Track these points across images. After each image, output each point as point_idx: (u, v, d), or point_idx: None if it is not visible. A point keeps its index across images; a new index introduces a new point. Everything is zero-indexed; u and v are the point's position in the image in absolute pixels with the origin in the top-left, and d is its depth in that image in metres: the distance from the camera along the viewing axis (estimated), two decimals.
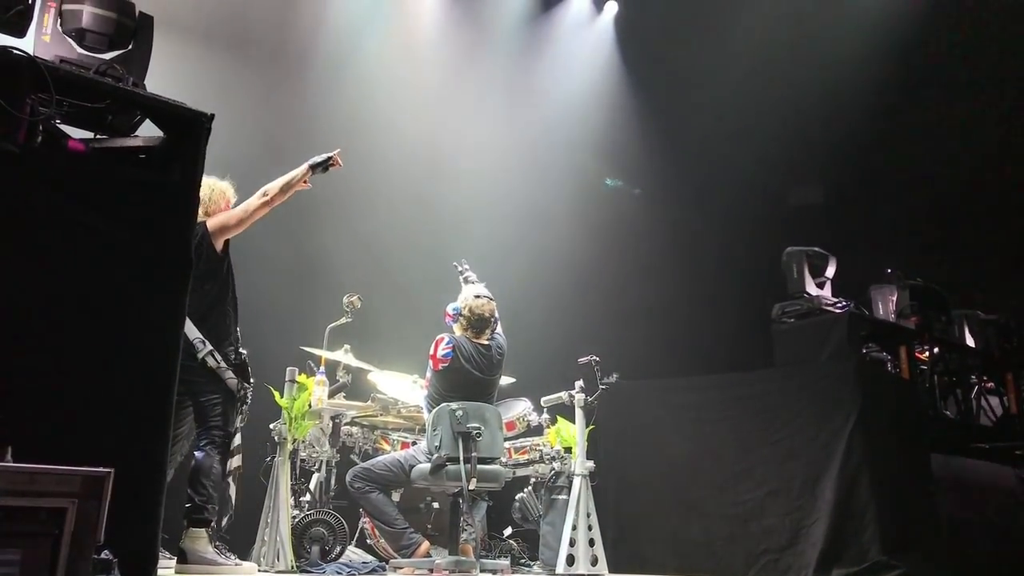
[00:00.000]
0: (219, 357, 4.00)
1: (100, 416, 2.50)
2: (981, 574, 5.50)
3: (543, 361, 6.44)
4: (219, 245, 4.15)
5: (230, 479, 4.23)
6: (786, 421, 5.57)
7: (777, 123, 8.50)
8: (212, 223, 4.15)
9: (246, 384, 4.12)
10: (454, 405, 4.65)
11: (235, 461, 4.26)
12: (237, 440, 4.25)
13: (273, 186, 4.22)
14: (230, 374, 4.02)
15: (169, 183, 2.85)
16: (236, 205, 4.35)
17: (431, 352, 4.91)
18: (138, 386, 2.61)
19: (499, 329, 5.15)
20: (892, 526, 5.15)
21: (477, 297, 5.02)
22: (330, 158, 4.31)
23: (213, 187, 4.29)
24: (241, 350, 4.20)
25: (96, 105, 2.79)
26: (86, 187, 2.67)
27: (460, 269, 5.38)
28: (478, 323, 4.97)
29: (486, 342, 5.01)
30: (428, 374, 4.94)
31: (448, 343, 4.89)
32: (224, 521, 4.27)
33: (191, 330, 3.94)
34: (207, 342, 3.99)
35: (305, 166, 4.27)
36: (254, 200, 4.21)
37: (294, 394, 4.56)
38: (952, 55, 8.51)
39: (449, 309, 5.06)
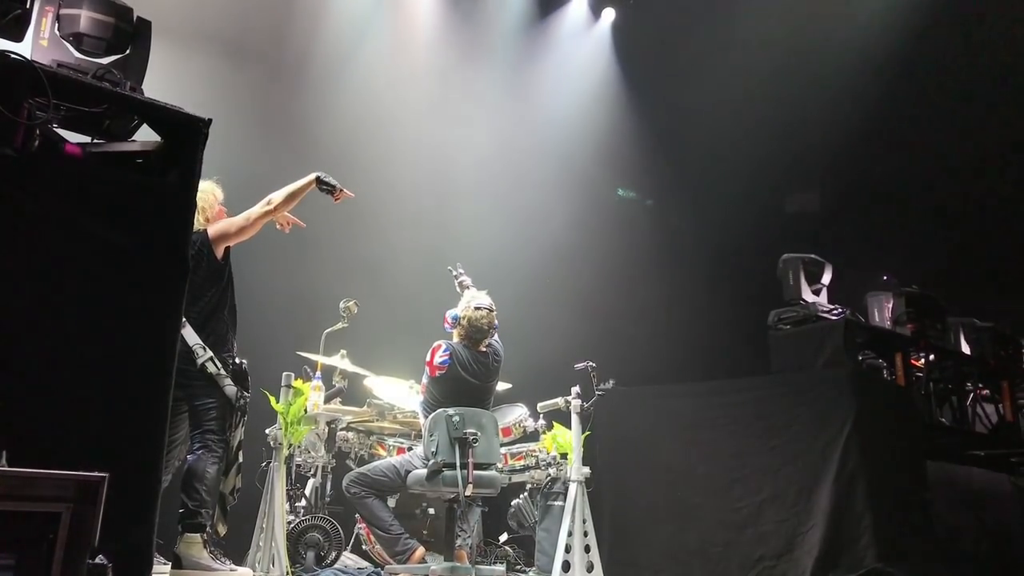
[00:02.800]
0: (219, 364, 3.98)
1: (95, 420, 2.50)
2: None
3: (539, 367, 6.44)
4: (219, 252, 4.13)
5: (231, 495, 4.08)
6: (782, 428, 5.57)
7: (774, 130, 8.52)
8: (213, 231, 4.13)
9: (245, 393, 4.07)
10: (451, 411, 4.64)
11: (238, 481, 4.09)
12: (240, 458, 4.13)
13: (278, 195, 4.21)
14: (229, 381, 3.99)
15: (166, 187, 2.84)
16: (224, 202, 4.32)
17: (428, 359, 4.91)
18: (134, 390, 2.60)
19: (496, 336, 5.15)
20: (887, 533, 5.15)
21: (478, 309, 5.00)
22: (339, 188, 4.30)
23: (202, 190, 4.26)
24: (238, 359, 4.17)
25: (93, 109, 2.79)
26: (83, 191, 2.66)
27: (455, 274, 5.39)
28: (476, 334, 4.98)
29: (483, 349, 5.01)
30: (424, 380, 4.94)
31: (445, 350, 4.89)
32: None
33: (191, 336, 3.92)
34: (207, 348, 3.96)
35: (312, 177, 4.26)
36: (257, 208, 4.19)
37: (290, 399, 4.55)
38: (950, 62, 8.54)
39: (448, 316, 5.05)
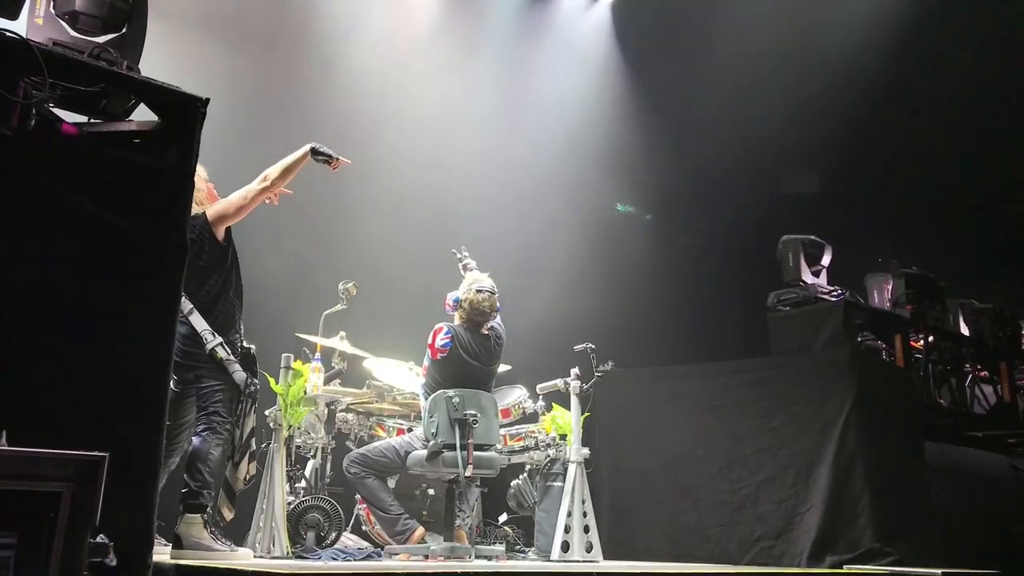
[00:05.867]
0: (228, 349, 3.96)
1: (95, 400, 2.49)
2: (973, 561, 5.54)
3: (539, 348, 6.44)
4: (220, 234, 4.09)
5: (245, 482, 4.05)
6: (781, 409, 5.60)
7: (774, 111, 8.49)
8: (211, 212, 4.08)
9: (255, 380, 4.05)
10: (451, 392, 4.64)
11: (252, 468, 4.06)
12: (252, 445, 4.08)
13: (273, 170, 4.16)
14: (237, 367, 3.96)
15: (164, 167, 2.83)
16: (223, 183, 4.29)
17: (429, 341, 4.87)
18: (133, 370, 2.60)
19: (498, 319, 5.12)
20: (885, 513, 5.19)
21: (479, 292, 4.96)
22: (335, 156, 4.27)
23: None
24: (246, 343, 4.15)
25: (90, 89, 2.76)
26: (80, 171, 2.64)
27: (459, 256, 5.35)
28: (477, 317, 4.95)
29: (485, 332, 4.99)
30: (426, 363, 4.91)
31: (447, 333, 4.84)
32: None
33: (199, 322, 3.90)
34: (216, 334, 3.94)
35: (307, 148, 4.21)
36: (254, 185, 4.14)
37: (290, 381, 4.55)
38: (950, 44, 8.50)
39: (449, 298, 5.02)
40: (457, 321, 4.98)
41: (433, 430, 4.62)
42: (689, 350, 7.40)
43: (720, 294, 8.31)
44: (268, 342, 4.93)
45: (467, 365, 4.84)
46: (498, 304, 5.05)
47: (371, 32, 7.80)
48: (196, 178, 4.05)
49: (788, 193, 9.60)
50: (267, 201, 4.28)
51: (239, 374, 3.95)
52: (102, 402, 2.51)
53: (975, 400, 6.82)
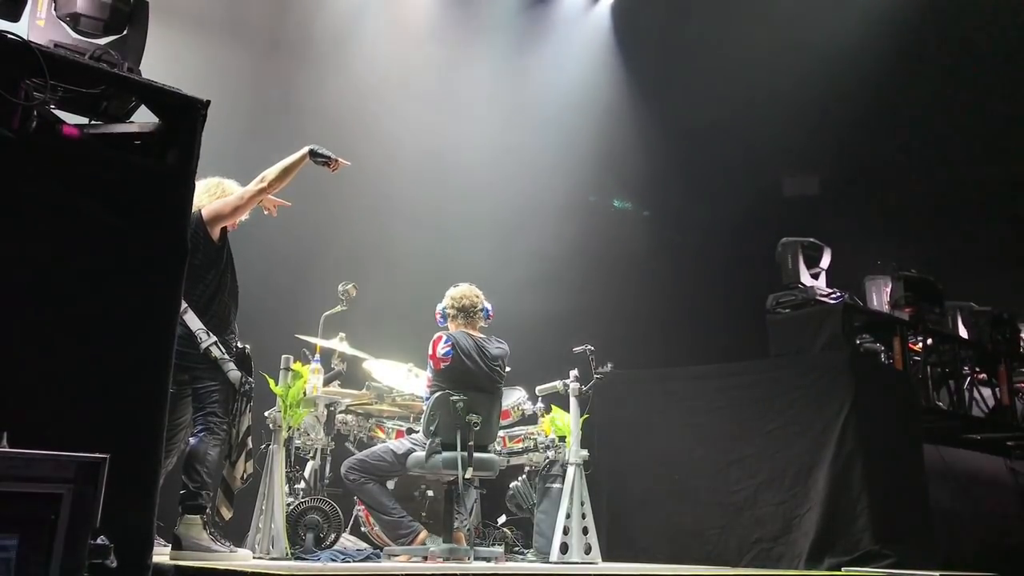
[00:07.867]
0: (223, 349, 3.96)
1: (95, 402, 2.50)
2: (971, 563, 5.55)
3: (538, 350, 6.44)
4: (215, 234, 4.10)
5: (242, 480, 4.08)
6: (780, 411, 5.60)
7: (773, 113, 8.50)
8: (207, 211, 4.08)
9: (249, 379, 4.06)
10: (454, 396, 4.63)
11: (249, 466, 4.07)
12: (249, 443, 4.09)
13: (271, 172, 4.16)
14: (232, 366, 3.96)
15: (165, 169, 2.83)
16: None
17: (430, 352, 4.83)
18: (133, 372, 2.60)
19: (497, 339, 5.10)
20: (884, 515, 5.19)
21: (456, 287, 5.03)
22: (334, 158, 4.27)
23: (225, 185, 4.24)
24: (240, 344, 4.15)
25: (91, 90, 2.78)
26: (81, 173, 2.65)
27: None
28: (466, 310, 4.94)
29: (494, 352, 4.93)
30: (429, 373, 4.88)
31: (447, 341, 4.80)
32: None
33: (193, 321, 3.90)
34: (210, 333, 3.95)
35: (305, 150, 4.21)
36: (251, 187, 4.14)
37: (289, 382, 4.55)
38: (949, 46, 8.51)
39: (437, 310, 5.05)
40: (453, 328, 4.98)
41: (432, 427, 4.62)
42: (688, 352, 7.40)
43: (720, 296, 8.32)
44: (268, 343, 4.93)
45: (471, 372, 4.79)
46: (484, 301, 5.03)
47: (371, 33, 7.80)
48: (225, 186, 4.12)
49: (788, 195, 9.61)
50: (265, 211, 4.29)
51: (234, 373, 3.95)
52: (102, 403, 2.52)
53: (973, 402, 6.83)
